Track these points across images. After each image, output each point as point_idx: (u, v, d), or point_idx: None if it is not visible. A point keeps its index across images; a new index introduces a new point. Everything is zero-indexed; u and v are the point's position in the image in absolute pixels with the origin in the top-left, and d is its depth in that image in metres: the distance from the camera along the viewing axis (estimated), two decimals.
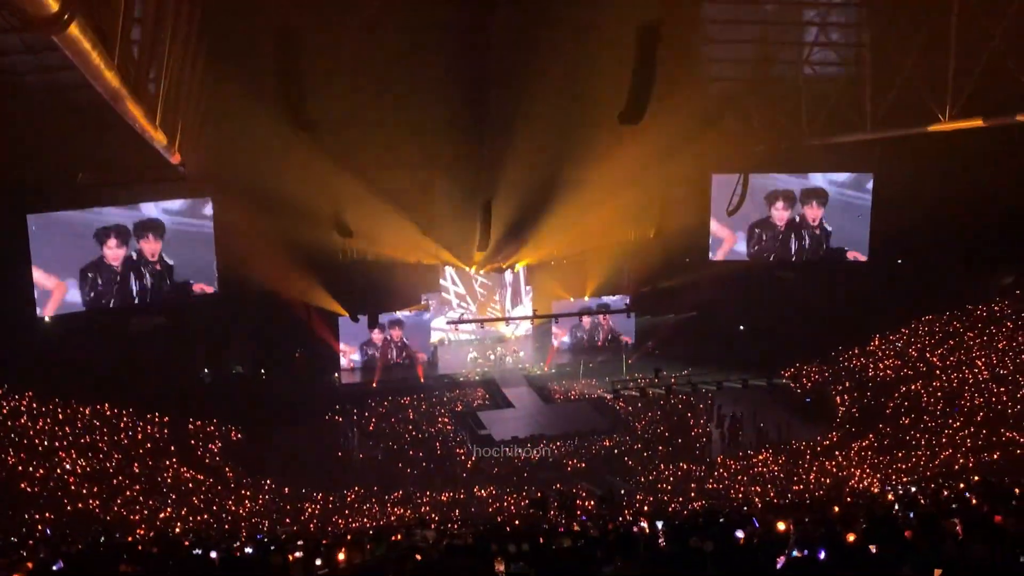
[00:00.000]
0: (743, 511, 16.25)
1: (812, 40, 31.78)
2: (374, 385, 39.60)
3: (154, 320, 35.75)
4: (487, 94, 30.80)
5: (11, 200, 31.14)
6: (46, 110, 28.98)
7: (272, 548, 13.09)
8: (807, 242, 40.29)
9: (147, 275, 35.24)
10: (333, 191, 33.52)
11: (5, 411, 28.94)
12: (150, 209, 34.84)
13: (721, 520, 12.75)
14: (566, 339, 42.84)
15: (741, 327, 41.57)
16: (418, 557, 9.75)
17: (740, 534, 9.09)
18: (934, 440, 28.85)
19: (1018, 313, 34.22)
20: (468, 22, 26.03)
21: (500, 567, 7.71)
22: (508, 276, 42.01)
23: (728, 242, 41.03)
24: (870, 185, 38.63)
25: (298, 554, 11.83)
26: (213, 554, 12.29)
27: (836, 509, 14.07)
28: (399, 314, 40.59)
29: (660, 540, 10.07)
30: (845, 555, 6.58)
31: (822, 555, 6.71)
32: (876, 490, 23.24)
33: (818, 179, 39.65)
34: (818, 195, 39.75)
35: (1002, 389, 30.09)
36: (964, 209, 33.65)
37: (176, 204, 35.17)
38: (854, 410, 35.00)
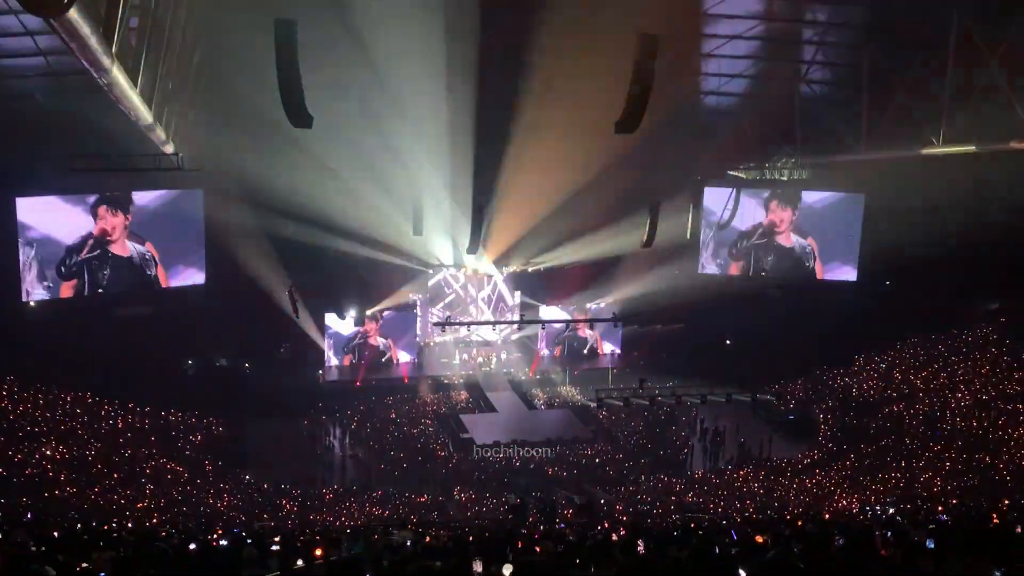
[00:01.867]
0: (722, 524, 16.28)
1: (809, 59, 31.93)
2: (358, 384, 39.54)
3: (139, 309, 35.61)
4: (484, 96, 30.84)
5: (0, 183, 31.00)
6: (41, 94, 28.89)
7: (249, 542, 13.04)
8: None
9: (133, 263, 35.12)
10: (326, 187, 33.46)
11: None
12: (142, 197, 34.74)
13: (700, 532, 12.78)
14: (551, 346, 42.80)
15: (728, 341, 41.67)
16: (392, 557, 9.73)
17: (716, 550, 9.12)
18: (914, 462, 28.98)
19: (1002, 339, 34.40)
20: (468, 24, 26.06)
21: (478, 567, 7.69)
22: (497, 280, 42.02)
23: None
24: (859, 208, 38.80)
25: (274, 548, 11.81)
26: (191, 546, 12.25)
27: (813, 526, 14.10)
28: (386, 313, 40.52)
29: (639, 548, 10.08)
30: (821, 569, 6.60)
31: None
32: (855, 509, 23.31)
33: (808, 197, 39.78)
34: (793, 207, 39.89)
35: (983, 414, 30.25)
36: (953, 233, 33.80)
37: (168, 194, 35.04)
38: (836, 429, 35.11)
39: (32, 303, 33.13)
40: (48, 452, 27.53)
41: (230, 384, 37.39)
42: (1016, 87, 21.66)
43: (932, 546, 8.95)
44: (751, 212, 40.09)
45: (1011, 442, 27.51)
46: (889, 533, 11.41)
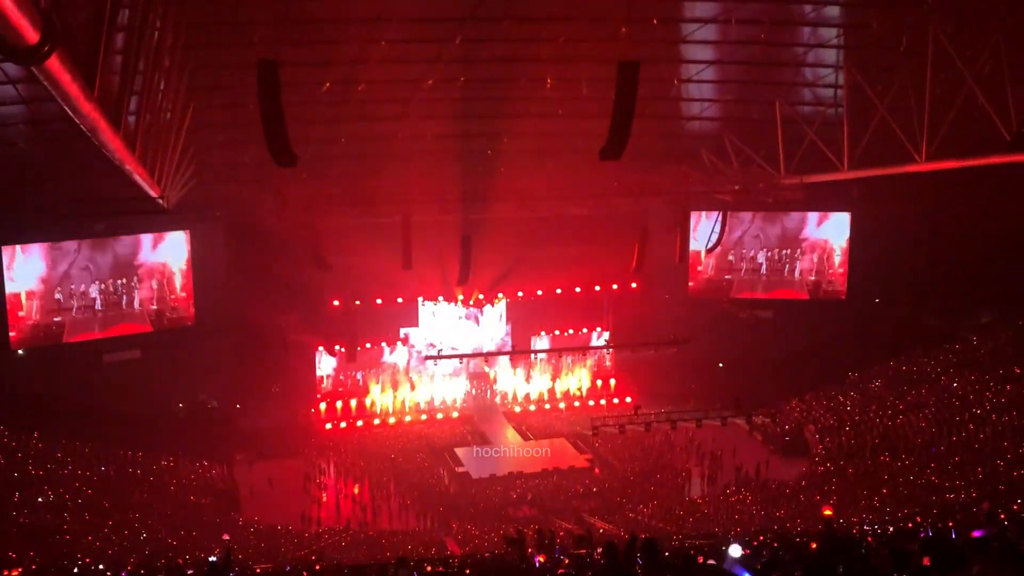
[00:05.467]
0: (722, 549, 16.13)
1: (789, 80, 32.10)
2: (350, 420, 39.40)
3: (128, 354, 35.43)
4: (470, 128, 30.93)
5: None
6: (24, 141, 28.82)
7: None
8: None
9: (123, 306, 35.07)
10: (313, 224, 33.46)
11: None
12: (127, 241, 34.79)
13: (699, 559, 12.66)
14: (546, 374, 42.72)
15: (720, 364, 41.63)
16: None
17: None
18: (911, 478, 28.88)
19: (995, 353, 34.41)
20: (451, 56, 26.18)
21: None
22: (488, 311, 41.94)
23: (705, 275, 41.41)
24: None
25: None
26: None
27: (813, 546, 13.99)
28: (377, 348, 40.46)
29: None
30: None
31: None
32: (855, 529, 23.17)
33: (794, 218, 40.08)
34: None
35: (979, 428, 30.20)
36: (942, 249, 33.92)
37: (152, 237, 35.16)
38: (832, 448, 34.99)
39: (20, 351, 32.94)
40: (41, 499, 27.26)
41: (222, 425, 37.12)
42: (994, 102, 21.80)
43: (928, 563, 8.88)
44: (738, 234, 40.35)
45: (1007, 455, 27.48)
46: (888, 552, 11.32)
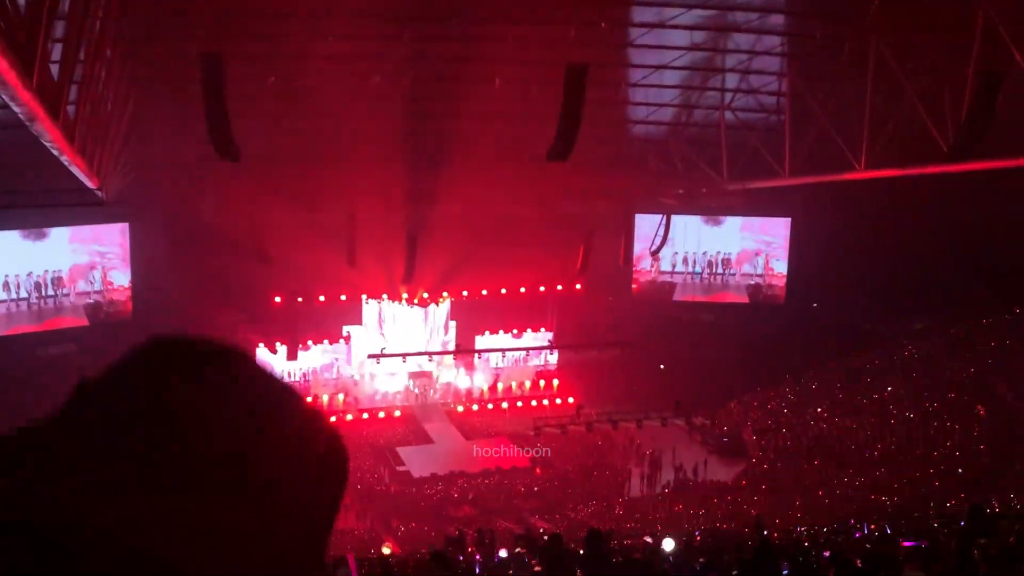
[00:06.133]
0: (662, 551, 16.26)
1: (734, 87, 32.49)
2: None
3: (63, 347, 34.64)
4: (417, 127, 30.85)
5: None
6: None
7: None
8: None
9: (58, 299, 34.31)
10: (256, 220, 33.06)
11: None
12: (63, 233, 34.05)
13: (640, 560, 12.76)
14: (488, 373, 42.69)
15: (662, 366, 42.00)
16: None
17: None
18: (847, 481, 29.42)
19: (927, 358, 35.21)
20: (399, 54, 26.10)
21: None
22: (432, 310, 41.78)
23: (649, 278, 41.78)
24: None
25: None
26: None
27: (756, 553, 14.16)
28: (319, 346, 40.07)
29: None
30: None
31: None
32: (791, 530, 23.51)
33: (735, 222, 40.62)
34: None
35: (912, 432, 30.88)
36: (879, 255, 34.58)
37: (89, 230, 34.43)
38: (770, 450, 35.51)
39: None
40: None
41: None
42: (933, 113, 22.28)
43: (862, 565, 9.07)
44: (682, 237, 40.76)
45: (940, 459, 28.14)
46: (826, 554, 11.52)
